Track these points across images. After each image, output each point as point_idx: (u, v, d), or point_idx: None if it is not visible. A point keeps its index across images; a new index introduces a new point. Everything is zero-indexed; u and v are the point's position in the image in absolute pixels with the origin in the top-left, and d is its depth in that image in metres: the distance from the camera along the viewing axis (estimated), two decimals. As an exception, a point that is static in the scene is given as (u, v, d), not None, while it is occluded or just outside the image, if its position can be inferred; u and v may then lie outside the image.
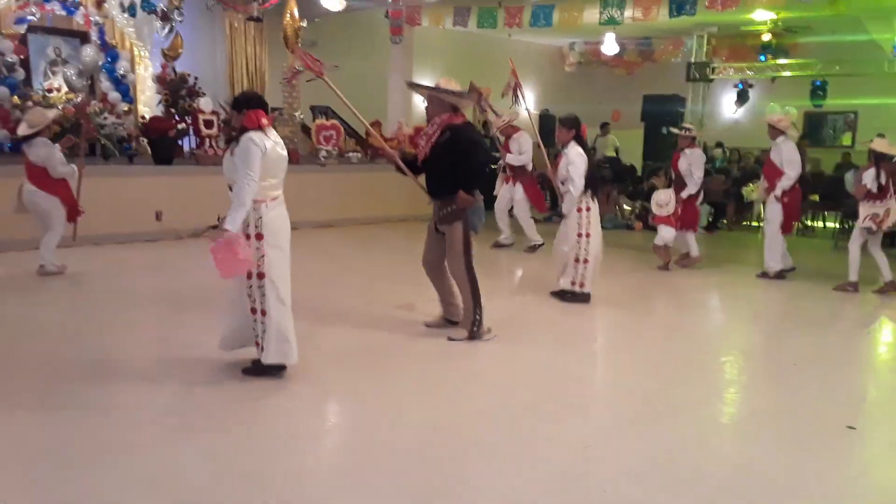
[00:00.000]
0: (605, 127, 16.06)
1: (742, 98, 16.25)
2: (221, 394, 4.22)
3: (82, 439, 3.58)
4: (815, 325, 6.52)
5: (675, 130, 8.93)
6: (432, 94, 5.29)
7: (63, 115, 9.16)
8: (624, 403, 4.37)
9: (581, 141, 6.49)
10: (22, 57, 10.01)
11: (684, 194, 8.44)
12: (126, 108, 10.75)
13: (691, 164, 8.43)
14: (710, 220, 12.05)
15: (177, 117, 10.59)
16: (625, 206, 12.88)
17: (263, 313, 4.25)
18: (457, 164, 5.12)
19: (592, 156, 6.27)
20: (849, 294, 7.44)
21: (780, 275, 8.07)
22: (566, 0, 11.78)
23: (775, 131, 7.90)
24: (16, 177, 7.30)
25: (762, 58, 15.06)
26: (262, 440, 3.66)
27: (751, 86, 16.08)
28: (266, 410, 4.08)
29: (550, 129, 16.90)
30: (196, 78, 11.44)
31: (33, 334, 5.36)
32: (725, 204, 12.42)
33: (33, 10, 10.27)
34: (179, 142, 10.44)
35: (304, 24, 11.84)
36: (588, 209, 6.42)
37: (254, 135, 4.14)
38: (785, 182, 7.82)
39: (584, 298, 6.59)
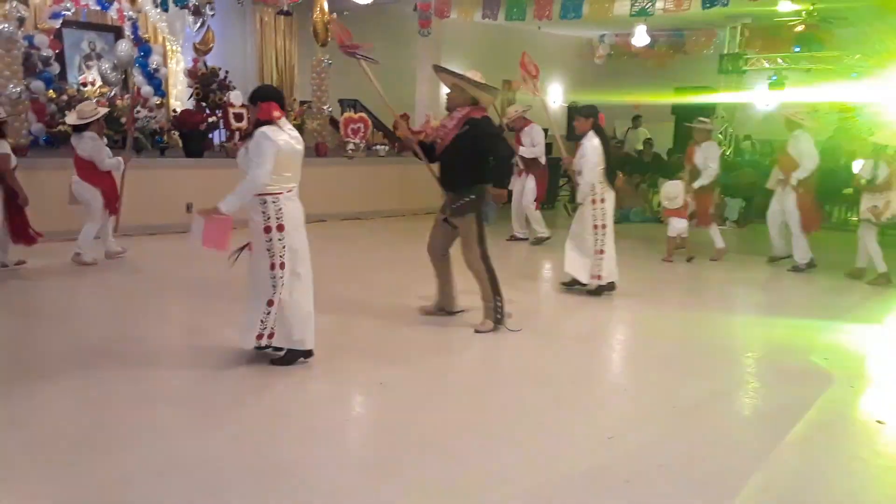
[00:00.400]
0: (636, 120, 15.94)
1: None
2: (248, 382, 4.28)
3: (111, 423, 3.66)
4: (847, 318, 6.39)
5: (691, 124, 8.92)
6: (457, 83, 5.30)
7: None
8: (649, 397, 4.34)
9: (599, 130, 6.42)
10: (57, 51, 10.21)
11: (696, 184, 8.46)
12: (158, 102, 10.91)
13: (707, 157, 8.45)
14: (741, 212, 11.90)
15: (207, 111, 10.73)
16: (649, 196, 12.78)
17: (274, 303, 4.32)
18: (475, 158, 5.17)
19: (612, 145, 6.27)
20: (882, 286, 7.39)
21: (812, 263, 8.04)
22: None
23: (793, 124, 7.99)
24: (49, 169, 7.46)
25: (797, 49, 14.78)
26: (287, 429, 3.70)
27: (785, 77, 15.78)
28: (292, 399, 4.13)
29: (579, 122, 16.86)
30: (227, 72, 11.57)
31: (67, 320, 5.48)
32: (754, 197, 12.25)
33: (68, 5, 10.46)
34: (210, 135, 10.57)
35: (334, 17, 11.89)
36: (603, 200, 6.41)
37: (267, 129, 4.17)
38: (800, 173, 7.82)
39: (609, 287, 6.61)
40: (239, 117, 10.75)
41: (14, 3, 9.06)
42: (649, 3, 11.26)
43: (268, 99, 4.27)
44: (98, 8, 10.89)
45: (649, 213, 12.42)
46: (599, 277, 6.54)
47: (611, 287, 6.64)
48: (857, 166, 7.50)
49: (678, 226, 8.42)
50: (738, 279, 7.96)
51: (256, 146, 4.14)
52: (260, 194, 4.21)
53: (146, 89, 10.90)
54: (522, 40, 16.28)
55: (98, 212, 7.17)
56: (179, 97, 11.74)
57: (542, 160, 9.49)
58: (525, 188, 9.44)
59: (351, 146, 11.44)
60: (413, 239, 9.44)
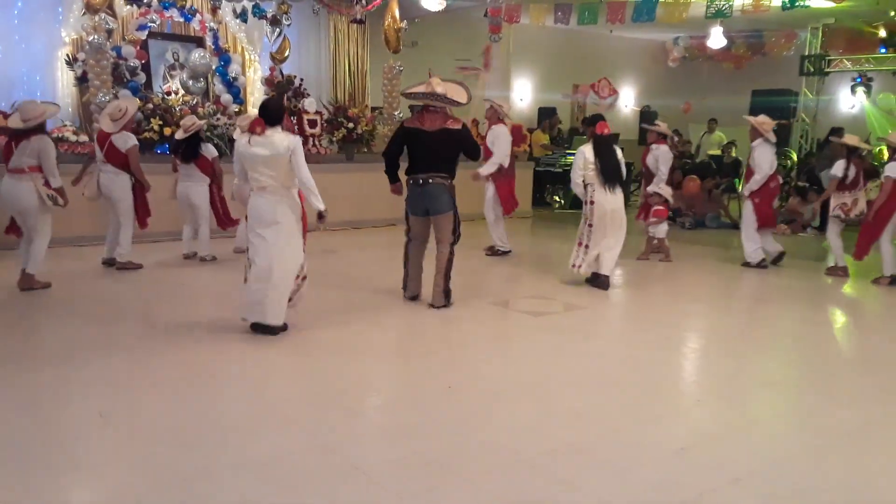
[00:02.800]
0: (711, 123, 15.53)
1: (866, 91, 15.33)
2: (321, 380, 4.39)
3: (191, 418, 3.80)
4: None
5: (648, 126, 9.06)
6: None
7: (180, 116, 9.70)
8: (724, 408, 4.23)
9: (598, 138, 6.88)
10: (143, 61, 10.65)
11: (649, 189, 8.70)
12: (237, 110, 11.24)
13: (658, 158, 8.65)
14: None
15: (283, 118, 10.98)
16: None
17: (245, 280, 5.24)
18: None
19: (610, 152, 6.88)
20: (840, 278, 7.96)
21: (762, 264, 8.31)
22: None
23: (755, 132, 8.09)
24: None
25: (882, 49, 14.19)
26: (359, 428, 3.78)
27: (870, 79, 15.17)
28: (364, 399, 4.22)
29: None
30: (301, 79, 11.87)
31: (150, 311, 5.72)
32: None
33: (153, 17, 10.91)
34: (285, 141, 10.81)
35: (405, 25, 12.05)
36: (592, 202, 6.87)
37: (238, 138, 5.25)
38: (751, 184, 8.10)
39: (595, 281, 7.02)
40: (313, 123, 11.02)
41: (103, 16, 9.53)
42: (726, 4, 11.00)
43: (259, 114, 5.16)
44: (182, 20, 11.32)
45: (726, 218, 12.11)
46: (579, 267, 6.99)
47: (600, 281, 7.00)
48: (837, 167, 7.91)
49: (665, 227, 8.70)
50: (821, 289, 7.68)
51: None
52: None
53: (225, 97, 11.26)
54: (593, 44, 16.19)
55: None
56: (257, 105, 12.08)
57: (506, 163, 8.52)
58: (486, 196, 8.76)
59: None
60: (481, 243, 9.46)
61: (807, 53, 14.76)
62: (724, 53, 15.99)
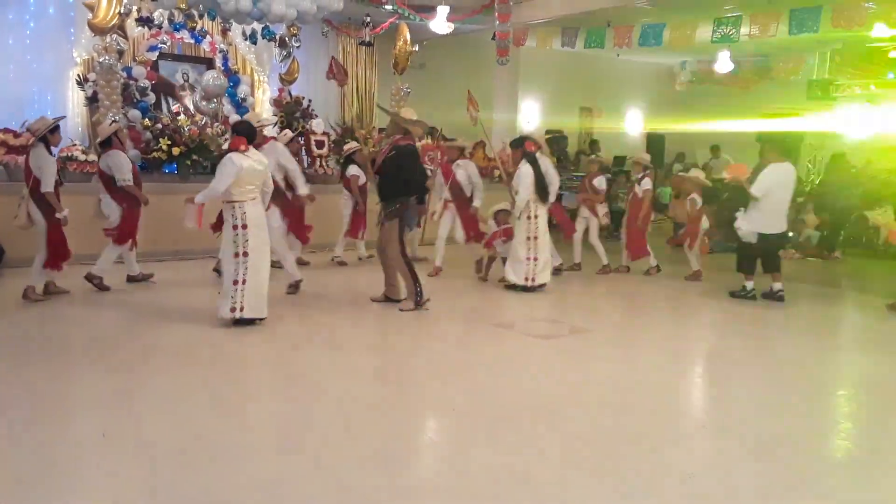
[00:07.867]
0: (715, 150, 15.38)
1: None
2: (324, 404, 4.35)
3: (198, 440, 3.76)
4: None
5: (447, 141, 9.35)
6: (391, 118, 6.78)
7: (189, 137, 9.76)
8: (732, 434, 4.17)
9: (530, 157, 7.31)
10: (153, 82, 10.73)
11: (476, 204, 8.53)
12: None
13: (469, 174, 8.66)
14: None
15: (291, 138, 11.04)
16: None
17: (244, 282, 5.64)
18: (399, 176, 6.45)
19: (540, 170, 7.32)
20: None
21: (556, 271, 8.54)
22: (678, 18, 11.50)
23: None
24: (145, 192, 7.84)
25: (891, 74, 14.19)
26: (364, 454, 3.73)
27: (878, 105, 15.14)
28: (367, 425, 4.17)
29: (658, 150, 16.50)
30: (310, 100, 11.93)
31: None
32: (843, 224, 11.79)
33: (164, 38, 11.02)
34: (293, 161, 10.87)
35: (416, 48, 12.15)
36: (536, 217, 7.38)
37: (233, 155, 5.59)
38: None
39: (538, 289, 7.54)
40: (320, 144, 11.05)
41: (114, 37, 9.62)
42: (733, 30, 11.03)
43: (239, 134, 5.68)
44: (192, 41, 11.43)
45: (731, 242, 12.04)
46: (533, 279, 7.49)
47: (540, 289, 7.57)
48: (600, 181, 9.15)
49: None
50: (826, 314, 7.62)
51: (222, 165, 5.59)
52: (230, 202, 5.63)
53: (234, 118, 11.32)
54: (600, 68, 16.25)
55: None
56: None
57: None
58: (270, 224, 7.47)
59: (428, 173, 11.53)
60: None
61: (814, 78, 14.77)
62: (731, 77, 16.00)
